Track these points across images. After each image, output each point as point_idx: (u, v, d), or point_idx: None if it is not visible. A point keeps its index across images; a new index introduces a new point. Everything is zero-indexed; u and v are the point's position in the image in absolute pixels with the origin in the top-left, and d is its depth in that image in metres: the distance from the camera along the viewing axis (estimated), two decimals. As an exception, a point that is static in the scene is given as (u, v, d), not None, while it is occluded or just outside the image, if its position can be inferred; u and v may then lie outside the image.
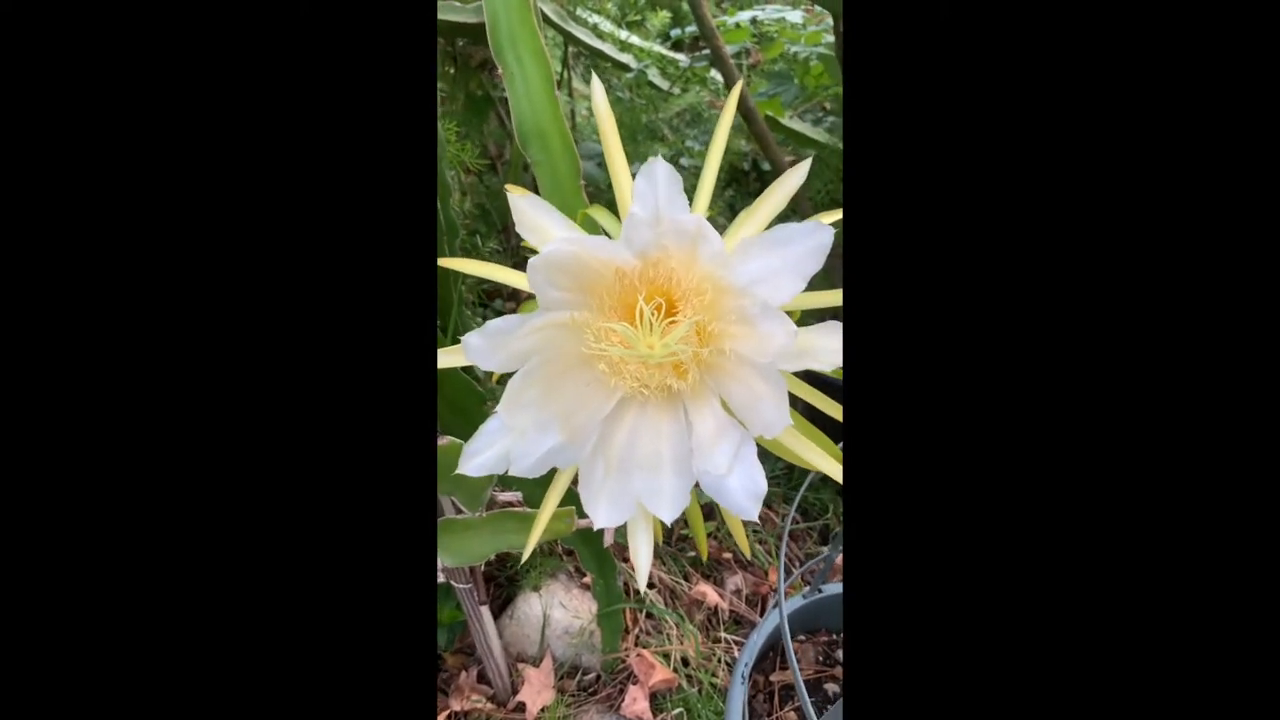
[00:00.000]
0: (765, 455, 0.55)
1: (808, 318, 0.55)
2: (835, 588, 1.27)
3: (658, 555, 1.61)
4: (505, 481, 1.03)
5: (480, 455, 0.56)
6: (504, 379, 0.55)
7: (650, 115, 1.89)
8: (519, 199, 0.54)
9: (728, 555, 1.65)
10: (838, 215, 0.55)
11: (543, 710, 1.35)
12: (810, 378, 0.59)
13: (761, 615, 1.52)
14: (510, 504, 0.95)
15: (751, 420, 0.52)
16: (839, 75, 1.60)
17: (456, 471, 0.55)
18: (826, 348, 0.51)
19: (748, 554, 0.79)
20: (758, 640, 1.22)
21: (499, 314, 1.72)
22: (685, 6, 2.24)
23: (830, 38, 1.74)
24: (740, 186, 2.09)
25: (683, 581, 1.57)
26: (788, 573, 1.33)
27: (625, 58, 1.83)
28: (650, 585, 1.55)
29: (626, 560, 1.49)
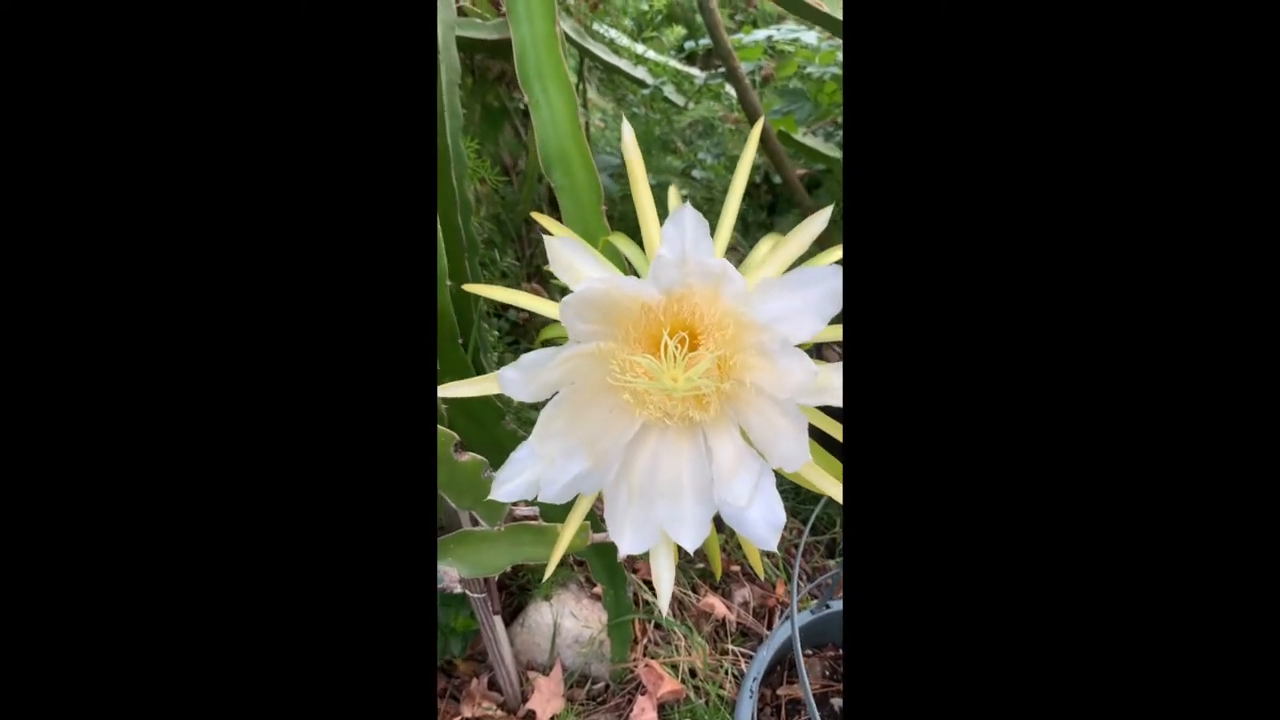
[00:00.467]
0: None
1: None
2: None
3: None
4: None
5: (511, 482, 0.58)
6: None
7: (664, 128, 1.91)
8: (554, 241, 0.57)
9: (736, 568, 1.67)
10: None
11: (552, 718, 1.37)
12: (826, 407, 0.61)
13: (769, 628, 1.54)
14: (528, 518, 0.97)
15: (771, 453, 0.54)
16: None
17: (489, 498, 0.57)
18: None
19: (760, 574, 0.81)
20: (766, 654, 1.23)
21: (513, 324, 1.74)
22: (700, 20, 2.27)
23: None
24: (752, 199, 2.11)
25: (691, 593, 1.59)
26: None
27: (640, 73, 1.85)
28: (660, 598, 1.56)
29: (636, 572, 1.51)
